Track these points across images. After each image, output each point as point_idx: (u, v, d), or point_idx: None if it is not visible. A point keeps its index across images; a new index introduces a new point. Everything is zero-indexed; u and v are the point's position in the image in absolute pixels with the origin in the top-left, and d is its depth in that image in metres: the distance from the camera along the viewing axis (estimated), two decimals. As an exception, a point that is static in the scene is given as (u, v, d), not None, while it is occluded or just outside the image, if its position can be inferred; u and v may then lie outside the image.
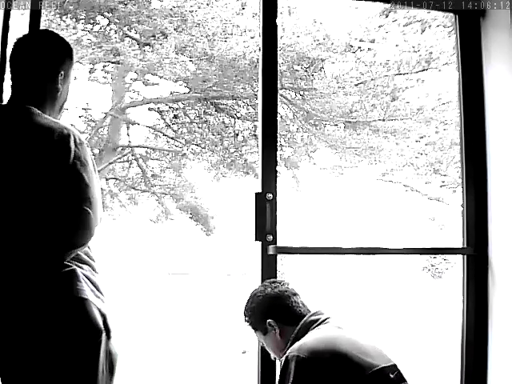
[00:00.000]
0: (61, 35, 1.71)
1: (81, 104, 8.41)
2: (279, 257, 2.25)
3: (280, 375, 1.66)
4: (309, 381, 1.59)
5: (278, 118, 2.36)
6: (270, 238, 2.22)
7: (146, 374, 5.38)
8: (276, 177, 2.28)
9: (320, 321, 1.80)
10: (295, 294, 1.88)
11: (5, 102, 1.71)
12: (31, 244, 1.45)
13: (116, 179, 9.27)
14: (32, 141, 1.50)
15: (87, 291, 1.50)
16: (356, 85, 8.23)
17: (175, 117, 8.81)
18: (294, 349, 1.65)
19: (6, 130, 1.54)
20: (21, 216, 1.47)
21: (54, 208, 1.46)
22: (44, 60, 1.63)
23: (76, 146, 1.52)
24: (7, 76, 2.14)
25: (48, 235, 1.45)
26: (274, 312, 1.82)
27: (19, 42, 1.66)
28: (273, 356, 1.91)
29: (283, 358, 1.67)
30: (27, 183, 1.47)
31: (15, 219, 1.47)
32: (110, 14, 7.88)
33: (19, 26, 2.18)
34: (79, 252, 1.53)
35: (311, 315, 1.83)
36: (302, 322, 1.80)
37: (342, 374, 1.59)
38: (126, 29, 8.00)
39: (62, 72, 1.64)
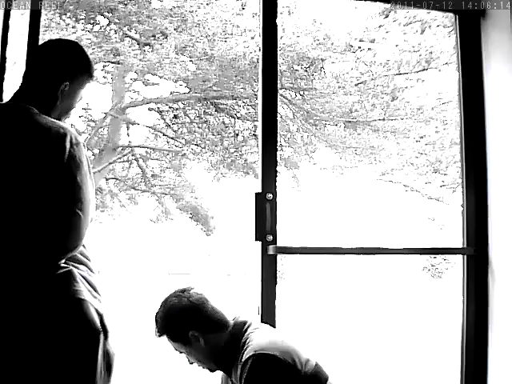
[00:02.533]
0: (84, 50, 1.71)
1: (81, 104, 8.41)
2: (279, 257, 2.25)
3: (249, 375, 1.65)
4: (285, 375, 1.65)
5: (278, 118, 2.36)
6: (270, 238, 2.21)
7: (144, 375, 5.38)
8: (276, 177, 2.27)
9: (248, 323, 1.83)
10: (207, 300, 1.85)
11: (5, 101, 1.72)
12: (23, 247, 1.45)
13: (116, 179, 9.27)
14: (29, 139, 1.50)
15: (84, 292, 1.50)
16: (356, 85, 8.24)
17: (175, 117, 8.81)
18: (260, 347, 1.67)
19: (3, 128, 1.54)
20: (12, 216, 1.46)
21: (45, 208, 1.46)
22: (50, 66, 1.63)
23: (72, 145, 1.51)
24: (7, 76, 2.15)
25: (39, 239, 1.45)
26: (196, 323, 1.79)
27: (39, 46, 1.70)
28: (197, 363, 1.88)
29: (248, 359, 1.66)
30: (21, 181, 1.47)
31: (7, 219, 1.46)
32: (110, 14, 7.88)
33: (19, 25, 2.18)
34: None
35: (235, 318, 1.85)
36: (230, 326, 1.82)
37: (298, 370, 1.68)
38: (126, 29, 8.00)
39: (67, 83, 1.63)
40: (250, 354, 1.67)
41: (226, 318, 1.84)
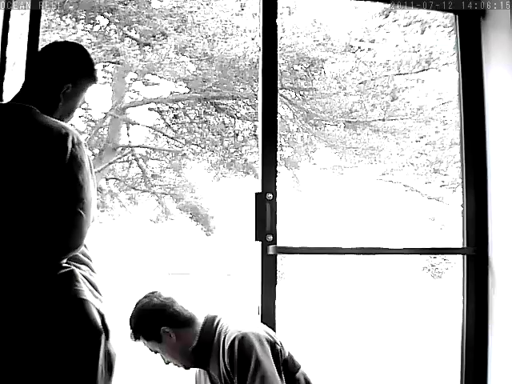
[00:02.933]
0: (88, 54, 1.72)
1: (81, 104, 8.41)
2: (279, 257, 2.25)
3: (239, 354, 1.71)
4: (270, 347, 1.76)
5: (278, 118, 2.36)
6: (270, 237, 2.21)
7: (144, 375, 5.38)
8: (276, 177, 2.27)
9: (219, 316, 1.92)
10: (176, 299, 1.95)
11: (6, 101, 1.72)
12: (25, 247, 1.45)
13: (116, 179, 9.27)
14: (30, 138, 1.50)
15: (86, 292, 1.50)
16: (356, 85, 8.23)
17: (175, 117, 8.81)
18: (239, 331, 1.76)
19: (6, 128, 1.54)
20: (14, 216, 1.46)
21: (47, 208, 1.46)
22: (54, 68, 1.64)
23: (73, 145, 1.52)
24: (7, 76, 2.15)
25: (41, 238, 1.45)
26: (166, 319, 1.88)
27: (43, 48, 1.70)
28: (172, 362, 1.94)
29: (232, 343, 1.73)
30: (23, 181, 1.47)
31: (8, 219, 1.46)
32: (110, 14, 7.88)
33: (19, 25, 2.18)
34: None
35: (206, 315, 1.94)
36: (201, 322, 1.90)
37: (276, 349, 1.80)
38: (126, 29, 8.00)
39: (70, 85, 1.64)
40: (232, 337, 1.75)
41: (195, 315, 1.93)
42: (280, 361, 1.77)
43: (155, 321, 1.87)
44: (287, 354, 1.83)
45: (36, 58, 1.71)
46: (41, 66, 1.66)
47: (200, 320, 1.92)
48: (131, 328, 1.90)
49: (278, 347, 1.79)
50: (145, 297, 1.94)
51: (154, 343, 1.89)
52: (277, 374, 1.72)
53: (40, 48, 1.72)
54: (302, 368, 1.85)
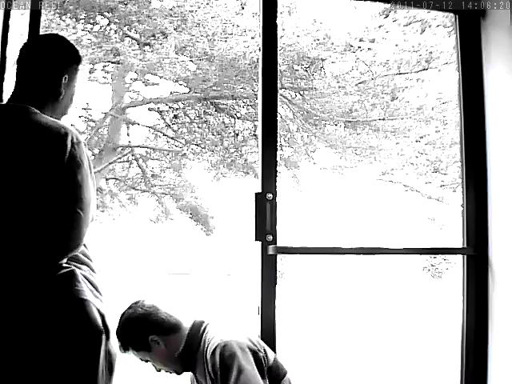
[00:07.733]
0: (69, 40, 1.72)
1: (81, 104, 8.42)
2: (279, 257, 2.25)
3: (221, 361, 1.72)
4: (251, 354, 1.77)
5: (278, 118, 2.36)
6: (270, 238, 2.21)
7: (144, 375, 5.38)
8: (276, 177, 2.27)
9: (206, 322, 1.93)
10: (159, 307, 1.96)
11: (5, 101, 1.71)
12: (25, 247, 1.44)
13: (116, 179, 9.27)
14: (29, 138, 1.50)
15: (86, 291, 1.50)
16: (356, 84, 8.23)
17: (175, 117, 8.81)
18: (221, 339, 1.77)
19: (3, 128, 1.54)
20: (13, 216, 1.46)
21: (46, 208, 1.45)
22: (48, 63, 1.63)
23: (73, 145, 1.51)
24: (7, 76, 2.14)
25: (41, 238, 1.45)
26: (153, 327, 1.89)
27: (27, 44, 1.68)
28: (164, 369, 1.94)
29: (215, 351, 1.74)
30: (22, 181, 1.47)
31: (7, 219, 1.46)
32: (110, 14, 7.88)
33: (19, 25, 2.18)
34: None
35: (194, 320, 1.94)
36: (187, 327, 1.91)
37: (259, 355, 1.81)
38: (126, 29, 8.00)
39: (66, 76, 1.64)
40: (214, 346, 1.77)
41: (181, 320, 1.94)
42: (264, 368, 1.78)
43: (142, 331, 1.88)
44: (272, 361, 1.83)
45: (25, 55, 1.67)
46: (34, 63, 1.64)
47: (186, 325, 1.92)
48: (119, 341, 1.89)
49: (261, 354, 1.79)
50: (128, 308, 1.94)
51: (144, 353, 1.90)
52: (261, 381, 1.72)
53: (23, 44, 1.69)
54: (288, 374, 1.86)
